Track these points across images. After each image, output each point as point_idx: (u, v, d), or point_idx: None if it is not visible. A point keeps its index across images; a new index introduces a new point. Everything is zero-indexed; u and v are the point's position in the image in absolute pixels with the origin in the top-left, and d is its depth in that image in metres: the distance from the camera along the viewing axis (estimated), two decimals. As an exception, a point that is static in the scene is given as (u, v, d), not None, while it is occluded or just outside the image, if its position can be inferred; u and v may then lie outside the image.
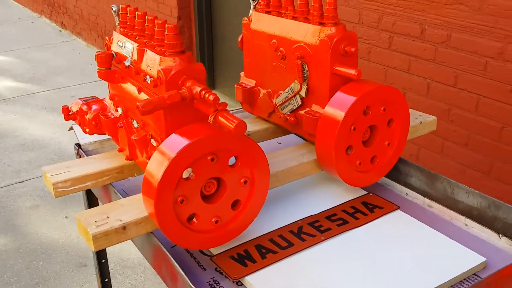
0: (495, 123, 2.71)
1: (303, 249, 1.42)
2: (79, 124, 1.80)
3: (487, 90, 2.69)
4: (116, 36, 1.57)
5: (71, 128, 2.03)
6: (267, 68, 1.80)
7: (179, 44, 1.33)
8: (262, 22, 1.79)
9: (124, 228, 1.35)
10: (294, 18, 1.71)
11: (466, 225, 1.58)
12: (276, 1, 1.77)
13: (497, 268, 1.36)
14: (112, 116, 1.65)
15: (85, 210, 1.42)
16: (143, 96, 1.43)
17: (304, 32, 1.64)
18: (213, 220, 1.36)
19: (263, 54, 1.80)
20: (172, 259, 1.30)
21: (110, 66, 1.57)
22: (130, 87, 1.51)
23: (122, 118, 1.60)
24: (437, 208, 1.66)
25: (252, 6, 1.88)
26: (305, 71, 1.66)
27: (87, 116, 1.72)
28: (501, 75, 2.62)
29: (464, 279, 1.33)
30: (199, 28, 5.23)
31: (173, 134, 1.29)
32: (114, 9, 1.64)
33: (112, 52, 1.57)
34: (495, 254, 1.42)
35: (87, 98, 1.82)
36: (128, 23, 1.53)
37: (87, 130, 1.76)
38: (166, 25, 1.34)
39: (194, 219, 1.34)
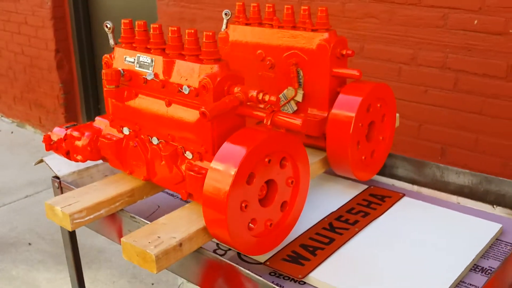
0: (412, 123, 2.99)
1: (346, 241, 1.47)
2: (65, 153, 1.67)
3: (403, 93, 2.98)
4: (121, 52, 1.50)
5: (40, 161, 1.86)
6: (251, 79, 1.83)
7: (217, 51, 1.33)
8: (243, 34, 1.83)
9: (180, 245, 1.30)
10: (280, 27, 1.77)
11: (459, 203, 1.75)
12: (256, 13, 1.83)
13: (509, 232, 1.53)
14: (115, 138, 1.56)
15: (131, 233, 1.32)
16: (175, 108, 1.39)
17: (297, 39, 1.71)
18: (268, 223, 1.36)
19: (246, 65, 1.83)
20: (247, 271, 1.27)
21: (119, 84, 1.50)
22: (149, 103, 1.45)
23: (133, 137, 1.53)
24: (427, 193, 1.81)
25: (225, 20, 1.91)
26: (300, 77, 1.73)
27: (81, 142, 1.62)
28: (414, 78, 2.91)
29: (490, 246, 1.48)
30: (80, 61, 5.02)
31: (227, 143, 1.27)
32: (108, 26, 1.57)
33: (119, 69, 1.49)
34: (497, 221, 1.58)
35: (68, 125, 1.70)
36: (137, 37, 1.48)
37: (79, 157, 1.64)
38: (204, 33, 1.32)
39: (251, 224, 1.33)
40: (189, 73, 1.34)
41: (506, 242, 1.49)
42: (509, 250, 1.45)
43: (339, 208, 1.64)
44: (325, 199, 1.70)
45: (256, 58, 1.81)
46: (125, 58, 1.49)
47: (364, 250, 1.43)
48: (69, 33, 4.99)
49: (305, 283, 1.34)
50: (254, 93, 1.27)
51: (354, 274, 1.34)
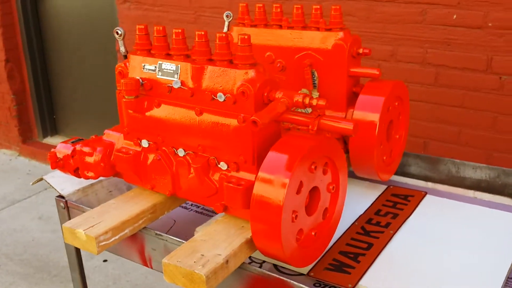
0: (393, 118, 3.00)
1: (385, 245, 1.43)
2: (73, 170, 1.56)
3: (383, 89, 2.98)
4: (138, 60, 1.40)
5: (39, 180, 1.73)
6: (260, 82, 1.77)
7: (252, 55, 1.26)
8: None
9: (227, 262, 1.22)
10: (290, 28, 1.72)
11: (475, 197, 1.76)
12: (262, 14, 1.76)
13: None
14: (132, 152, 1.46)
15: (171, 253, 1.23)
16: (208, 117, 1.31)
17: (311, 40, 1.66)
18: (312, 232, 1.31)
19: (253, 69, 1.76)
20: (301, 285, 1.21)
21: (139, 94, 1.40)
22: (175, 112, 1.37)
23: (154, 150, 1.43)
24: (443, 189, 1.80)
25: (227, 23, 1.84)
26: (315, 78, 1.68)
27: (93, 158, 1.50)
28: (394, 74, 2.93)
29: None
30: (32, 71, 4.78)
31: (273, 152, 1.20)
32: (119, 32, 1.46)
33: (138, 78, 1.40)
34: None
35: (73, 140, 1.59)
36: (156, 43, 1.38)
37: (90, 174, 1.53)
38: (239, 36, 1.25)
39: (298, 235, 1.27)
40: (224, 80, 1.26)
41: (537, 234, 1.49)
42: (543, 242, 1.46)
43: (366, 211, 1.61)
44: (349, 202, 1.65)
45: (265, 60, 1.75)
46: (144, 66, 1.39)
47: (405, 254, 1.40)
48: (19, 41, 4.73)
49: (354, 291, 1.29)
50: (299, 98, 1.21)
51: (402, 280, 1.30)
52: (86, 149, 1.51)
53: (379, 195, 1.70)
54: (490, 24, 2.61)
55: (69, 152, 1.56)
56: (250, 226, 1.30)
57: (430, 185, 1.83)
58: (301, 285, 1.21)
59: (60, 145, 1.59)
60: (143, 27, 1.41)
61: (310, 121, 1.23)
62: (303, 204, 1.25)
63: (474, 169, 1.76)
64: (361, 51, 1.65)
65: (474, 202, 1.66)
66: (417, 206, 1.62)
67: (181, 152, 1.39)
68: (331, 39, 1.63)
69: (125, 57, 1.51)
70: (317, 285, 1.32)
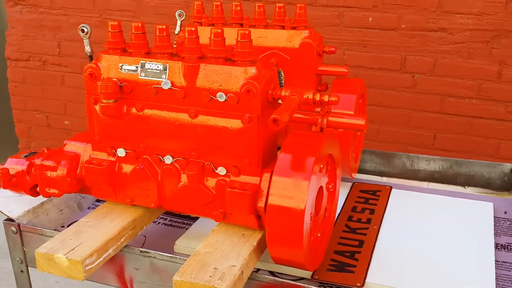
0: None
1: (375, 241, 1.43)
2: (28, 189, 1.37)
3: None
4: (113, 60, 1.27)
5: (-22, 203, 1.50)
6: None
7: (253, 51, 1.19)
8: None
9: (242, 272, 1.14)
10: (252, 26, 1.67)
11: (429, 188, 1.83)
12: (220, 13, 1.70)
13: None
14: (105, 163, 1.32)
15: (180, 270, 1.12)
16: (205, 120, 1.21)
17: (276, 38, 1.62)
18: (318, 233, 1.27)
19: (212, 70, 1.68)
20: None
21: (118, 98, 1.26)
22: (162, 116, 1.25)
23: (133, 159, 1.31)
24: (397, 182, 1.86)
25: (179, 22, 1.75)
26: (281, 78, 1.64)
27: (57, 173, 1.34)
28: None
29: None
30: None
31: (285, 153, 1.15)
32: (85, 30, 1.32)
33: (115, 80, 1.26)
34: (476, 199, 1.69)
35: (26, 154, 1.40)
36: (134, 41, 1.26)
37: (53, 191, 1.36)
38: (239, 31, 1.18)
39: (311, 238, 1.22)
40: (223, 78, 1.18)
41: (503, 218, 1.58)
42: (510, 225, 1.55)
43: (342, 209, 1.60)
44: (322, 202, 1.64)
45: (226, 61, 1.67)
46: (122, 66, 1.26)
47: (397, 247, 1.41)
48: None
49: (361, 290, 1.27)
50: (309, 95, 1.17)
51: (404, 272, 1.30)
52: (48, 163, 1.34)
53: (349, 192, 1.70)
54: (403, 26, 2.75)
55: (24, 167, 1.37)
56: (249, 233, 1.24)
57: (385, 179, 1.88)
58: (320, 289, 1.16)
59: (11, 161, 1.39)
60: (116, 23, 1.28)
61: (319, 118, 1.19)
62: (314, 206, 1.20)
63: (428, 161, 1.83)
64: (327, 49, 1.64)
65: (438, 192, 1.73)
66: (388, 200, 1.65)
67: (168, 160, 1.28)
68: (298, 38, 1.60)
69: (91, 57, 1.36)
70: (324, 286, 1.28)
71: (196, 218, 1.58)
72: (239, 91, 1.16)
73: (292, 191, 1.10)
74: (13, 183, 1.36)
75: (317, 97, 1.16)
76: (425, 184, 1.83)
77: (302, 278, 1.31)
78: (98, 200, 1.71)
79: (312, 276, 1.29)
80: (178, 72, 1.21)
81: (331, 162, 1.28)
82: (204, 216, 1.29)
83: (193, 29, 1.21)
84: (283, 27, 1.63)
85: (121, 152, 1.32)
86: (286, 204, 1.10)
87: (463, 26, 2.67)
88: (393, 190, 1.72)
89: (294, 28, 1.62)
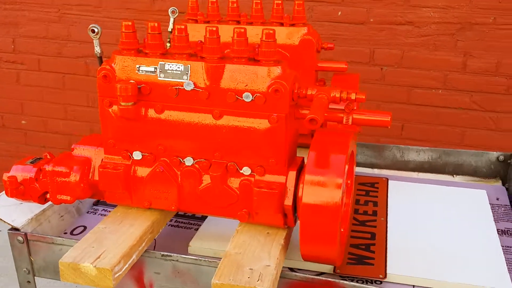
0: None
1: (386, 233, 1.47)
2: (37, 197, 1.33)
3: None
4: (129, 61, 1.24)
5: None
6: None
7: (277, 50, 1.20)
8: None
9: (277, 272, 1.15)
10: (249, 24, 1.66)
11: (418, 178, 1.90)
12: (216, 10, 1.68)
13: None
14: (121, 167, 1.29)
15: (216, 273, 1.11)
16: (230, 120, 1.20)
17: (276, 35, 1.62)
18: (342, 229, 1.29)
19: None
20: (353, 283, 1.19)
21: (137, 100, 1.23)
22: (183, 117, 1.24)
23: (151, 161, 1.28)
24: (388, 173, 1.91)
25: (172, 19, 1.72)
26: (281, 75, 1.65)
27: (70, 179, 1.29)
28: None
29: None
30: None
31: (314, 152, 1.16)
32: (96, 30, 1.27)
33: (132, 81, 1.23)
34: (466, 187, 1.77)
35: (32, 160, 1.35)
36: (150, 42, 1.23)
37: (65, 197, 1.32)
38: (264, 31, 1.17)
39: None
40: (249, 78, 1.17)
41: (497, 204, 1.66)
42: (505, 211, 1.63)
43: (347, 202, 1.63)
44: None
45: (224, 58, 1.66)
46: (139, 67, 1.23)
47: (408, 238, 1.45)
48: None
49: (381, 282, 1.31)
50: (336, 93, 1.18)
51: (421, 262, 1.35)
52: (60, 169, 1.29)
53: (348, 186, 1.73)
54: (371, 20, 2.82)
55: (33, 174, 1.31)
56: (274, 231, 1.25)
57: (376, 171, 1.92)
58: (353, 283, 1.19)
59: (16, 168, 1.33)
60: (130, 23, 1.25)
61: (344, 116, 1.21)
62: (343, 201, 1.22)
63: (418, 152, 1.89)
64: (325, 45, 1.66)
65: (428, 182, 1.79)
66: (387, 192, 1.69)
67: (189, 161, 1.26)
68: (297, 35, 1.61)
69: (100, 59, 1.31)
70: (346, 279, 1.31)
71: (202, 218, 1.57)
72: (266, 91, 1.16)
73: (326, 189, 1.11)
74: (21, 191, 1.31)
75: (344, 95, 1.18)
76: (415, 175, 1.89)
77: (323, 273, 1.32)
78: (95, 204, 1.66)
79: (334, 271, 1.31)
80: (201, 72, 1.20)
81: (351, 159, 1.30)
82: (228, 217, 1.28)
83: (214, 28, 1.20)
84: (281, 24, 1.64)
85: (137, 155, 1.29)
86: (321, 201, 1.11)
87: (429, 20, 2.76)
88: (390, 181, 1.76)
89: (293, 25, 1.63)
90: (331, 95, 1.18)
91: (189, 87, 1.20)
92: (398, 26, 2.81)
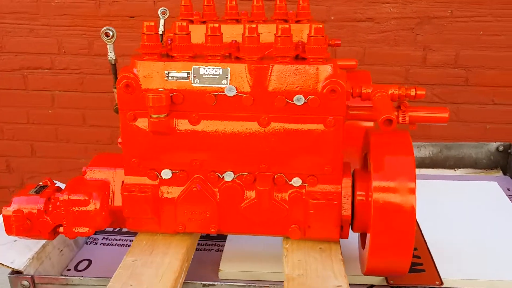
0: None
1: (422, 235, 1.40)
2: (47, 232, 1.13)
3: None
4: (155, 67, 1.08)
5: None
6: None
7: (326, 47, 1.09)
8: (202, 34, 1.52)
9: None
10: (250, 22, 1.54)
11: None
12: (212, 9, 1.54)
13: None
14: (148, 189, 1.13)
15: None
16: (280, 127, 1.08)
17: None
18: (396, 237, 1.20)
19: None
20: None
21: (169, 111, 1.08)
22: (224, 127, 1.09)
23: (183, 180, 1.13)
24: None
25: (162, 20, 1.55)
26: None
27: (90, 207, 1.11)
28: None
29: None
30: None
31: (377, 156, 1.06)
32: (111, 34, 1.10)
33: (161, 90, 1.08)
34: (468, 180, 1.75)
35: (36, 189, 1.16)
36: (178, 43, 1.08)
37: (84, 230, 1.13)
38: (312, 26, 1.06)
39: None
40: (300, 79, 1.05)
41: (508, 195, 1.64)
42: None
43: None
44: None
45: (226, 61, 1.52)
46: (168, 73, 1.07)
47: (444, 238, 1.39)
48: None
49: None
50: (395, 90, 1.09)
51: (470, 262, 1.28)
52: (77, 197, 1.10)
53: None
54: (332, 18, 2.77)
55: (41, 206, 1.11)
56: (326, 246, 1.14)
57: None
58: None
59: (19, 200, 1.12)
60: (152, 24, 1.08)
61: (399, 114, 1.11)
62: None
63: (418, 148, 1.85)
64: (332, 42, 1.57)
65: (430, 177, 1.75)
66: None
67: (229, 176, 1.12)
68: (305, 31, 1.51)
69: (115, 66, 1.14)
70: (403, 290, 1.22)
71: (219, 237, 1.42)
72: (320, 92, 1.05)
73: (399, 195, 1.02)
74: (27, 227, 1.10)
75: (403, 91, 1.09)
76: (417, 171, 1.84)
77: (373, 286, 1.23)
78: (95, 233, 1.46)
79: (387, 282, 1.22)
80: (243, 75, 1.06)
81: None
82: (276, 234, 1.15)
83: (254, 25, 1.06)
84: (286, 21, 1.53)
85: (166, 174, 1.12)
86: (396, 208, 1.01)
87: (389, 15, 2.75)
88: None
89: (298, 21, 1.52)
90: (389, 92, 1.08)
91: (231, 92, 1.06)
92: (359, 23, 2.78)
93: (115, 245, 1.42)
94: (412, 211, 1.01)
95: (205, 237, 1.44)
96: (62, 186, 1.27)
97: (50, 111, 3.00)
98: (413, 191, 1.02)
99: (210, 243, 1.42)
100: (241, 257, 1.30)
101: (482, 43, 2.74)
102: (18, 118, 3.03)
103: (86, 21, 2.86)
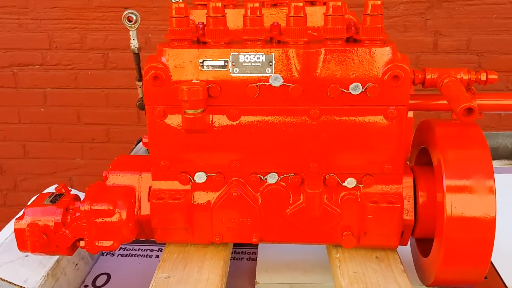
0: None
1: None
2: (65, 248, 0.99)
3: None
4: (187, 55, 0.93)
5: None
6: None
7: (383, 26, 0.95)
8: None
9: (420, 307, 0.91)
10: (273, 6, 1.39)
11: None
12: (229, -8, 1.39)
13: None
14: (181, 196, 0.99)
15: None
16: (332, 120, 0.94)
17: (310, 17, 1.37)
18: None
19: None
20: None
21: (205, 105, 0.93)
22: (267, 123, 0.95)
23: (220, 183, 0.99)
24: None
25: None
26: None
27: (115, 218, 0.97)
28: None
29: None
30: None
31: (446, 152, 0.93)
32: (134, 18, 0.95)
33: (196, 81, 0.93)
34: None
35: (52, 199, 1.01)
36: (212, 27, 0.93)
37: (108, 244, 0.99)
38: (369, 1, 0.92)
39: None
40: (356, 64, 0.92)
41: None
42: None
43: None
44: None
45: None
46: (202, 62, 0.93)
47: (499, 239, 1.26)
48: None
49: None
50: (463, 75, 0.96)
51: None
52: (100, 206, 0.95)
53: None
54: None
55: (59, 218, 0.96)
56: (383, 255, 1.01)
57: (405, 165, 1.73)
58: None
59: (33, 211, 0.97)
60: (182, 5, 0.93)
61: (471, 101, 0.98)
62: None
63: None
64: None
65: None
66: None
67: (272, 178, 0.98)
68: (334, 14, 1.36)
69: (137, 56, 0.99)
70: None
71: (248, 245, 1.28)
72: (381, 79, 0.91)
73: (477, 195, 0.89)
74: (44, 242, 0.95)
75: (473, 76, 0.96)
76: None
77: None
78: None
79: (429, 285, 1.09)
80: (290, 62, 0.92)
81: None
82: (326, 242, 1.02)
83: (300, 4, 0.92)
84: (312, 4, 1.38)
85: (200, 177, 0.98)
86: (474, 211, 0.88)
87: (397, 0, 2.63)
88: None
89: (325, 3, 1.38)
90: (458, 77, 0.95)
91: (277, 82, 0.92)
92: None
93: (134, 256, 1.28)
94: (492, 213, 0.88)
95: (234, 244, 1.30)
96: (78, 193, 1.12)
97: (42, 110, 2.82)
98: (492, 190, 0.89)
99: (240, 251, 1.29)
100: (278, 267, 1.16)
101: (495, 26, 2.63)
102: (9, 117, 2.85)
103: (78, 14, 2.69)
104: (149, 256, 1.27)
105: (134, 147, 1.66)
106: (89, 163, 2.91)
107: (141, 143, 1.38)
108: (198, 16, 1.19)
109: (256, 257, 1.21)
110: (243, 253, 1.27)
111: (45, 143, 2.88)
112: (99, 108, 2.83)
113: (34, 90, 2.79)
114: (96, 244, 0.97)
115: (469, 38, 2.67)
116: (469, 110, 0.84)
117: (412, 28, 2.67)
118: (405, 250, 1.14)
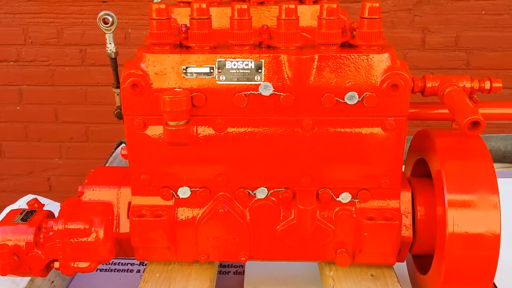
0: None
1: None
2: (39, 269, 0.91)
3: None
4: (169, 61, 0.86)
5: None
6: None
7: (382, 31, 0.89)
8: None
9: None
10: (260, 4, 1.32)
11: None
12: (216, -11, 1.31)
13: None
14: (163, 212, 0.91)
15: None
16: (327, 132, 0.87)
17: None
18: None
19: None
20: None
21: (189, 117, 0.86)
22: (256, 135, 0.88)
23: (205, 199, 0.92)
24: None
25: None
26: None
27: (91, 237, 0.90)
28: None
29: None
30: None
31: (447, 163, 0.87)
32: (110, 20, 0.87)
33: (179, 89, 0.86)
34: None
35: (23, 216, 0.94)
36: (196, 31, 0.86)
37: (84, 265, 0.92)
38: (367, 4, 0.86)
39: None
40: (352, 72, 0.85)
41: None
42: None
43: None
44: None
45: (233, 49, 1.30)
46: (186, 69, 0.85)
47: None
48: None
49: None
50: (466, 83, 0.90)
51: None
52: (75, 225, 0.88)
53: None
54: (325, -2, 2.56)
55: (31, 238, 0.89)
56: (378, 272, 0.95)
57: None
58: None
59: (3, 231, 0.89)
60: (163, 7, 0.86)
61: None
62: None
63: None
64: (355, 25, 1.36)
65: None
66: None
67: (262, 193, 0.91)
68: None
69: (115, 61, 0.91)
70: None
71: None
72: (378, 88, 0.84)
73: (480, 211, 0.83)
74: (15, 264, 0.88)
75: (476, 84, 0.90)
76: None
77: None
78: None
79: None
80: (281, 69, 0.85)
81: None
82: (319, 260, 0.96)
83: (292, 6, 0.85)
84: (301, 2, 1.31)
85: (184, 192, 0.91)
86: (477, 228, 0.83)
87: (385, -5, 2.57)
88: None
89: (316, 1, 1.31)
90: (460, 86, 0.89)
91: (267, 91, 0.85)
92: (352, 4, 2.58)
93: (114, 271, 1.20)
94: (497, 230, 0.82)
95: (219, 257, 1.24)
96: (53, 204, 1.04)
97: (18, 108, 2.72)
98: (496, 206, 0.83)
99: (226, 264, 1.22)
100: (267, 282, 1.10)
101: (484, 23, 2.58)
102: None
103: (54, 7, 2.58)
104: (130, 271, 1.19)
105: (113, 152, 1.58)
106: (67, 163, 2.81)
107: (120, 148, 1.31)
108: (181, 15, 1.11)
109: (244, 271, 1.15)
110: (229, 267, 1.21)
111: (21, 142, 2.78)
112: (77, 106, 2.73)
113: (9, 88, 2.68)
114: (72, 265, 0.90)
115: (458, 34, 2.62)
116: (475, 123, 0.78)
117: (400, 25, 2.62)
118: (400, 264, 1.09)
